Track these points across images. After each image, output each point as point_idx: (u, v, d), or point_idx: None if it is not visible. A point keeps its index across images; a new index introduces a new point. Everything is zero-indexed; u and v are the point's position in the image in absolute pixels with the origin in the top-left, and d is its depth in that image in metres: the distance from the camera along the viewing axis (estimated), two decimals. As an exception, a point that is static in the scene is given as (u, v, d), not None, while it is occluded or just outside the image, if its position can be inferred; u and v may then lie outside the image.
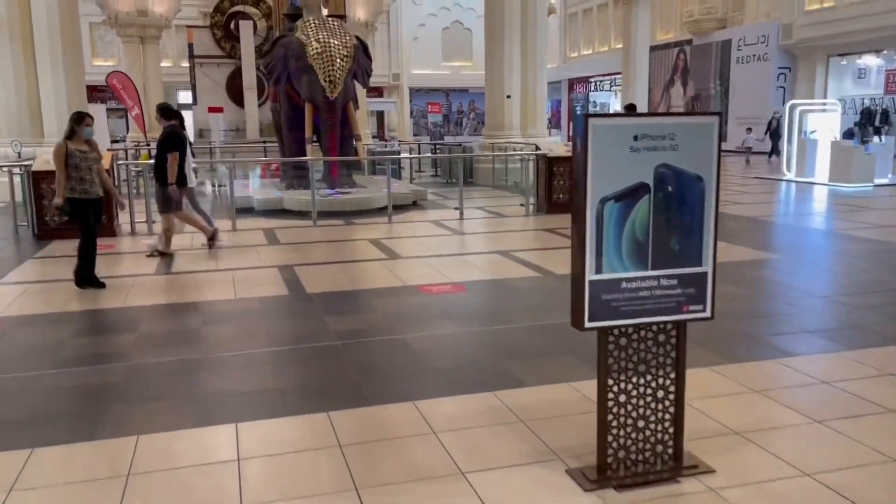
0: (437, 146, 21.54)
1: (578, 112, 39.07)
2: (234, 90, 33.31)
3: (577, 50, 37.34)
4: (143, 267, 8.30)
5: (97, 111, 19.13)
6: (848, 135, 23.64)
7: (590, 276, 3.06)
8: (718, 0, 27.06)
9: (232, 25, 33.05)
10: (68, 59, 14.60)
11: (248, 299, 6.74)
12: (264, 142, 23.29)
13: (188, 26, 33.90)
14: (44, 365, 4.95)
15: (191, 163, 9.40)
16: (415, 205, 13.26)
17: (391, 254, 8.99)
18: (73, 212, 7.10)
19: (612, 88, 36.23)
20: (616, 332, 3.17)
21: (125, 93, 24.50)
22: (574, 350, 4.96)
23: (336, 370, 4.79)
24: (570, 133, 39.32)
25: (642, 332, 3.21)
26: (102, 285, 7.11)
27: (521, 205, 12.38)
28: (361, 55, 12.85)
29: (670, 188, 3.07)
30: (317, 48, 12.09)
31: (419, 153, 20.96)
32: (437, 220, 11.56)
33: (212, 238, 9.28)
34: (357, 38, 12.81)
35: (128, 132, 31.42)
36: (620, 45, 31.48)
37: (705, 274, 3.18)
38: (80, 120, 7.12)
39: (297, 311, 6.39)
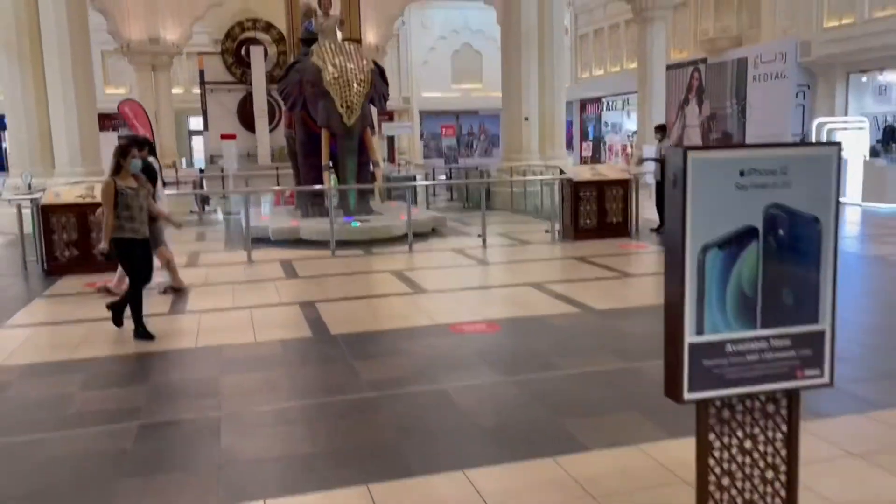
0: (453, 170, 21.08)
1: (591, 133, 38.68)
2: (246, 116, 33.11)
3: (589, 70, 36.97)
4: (156, 305, 7.84)
5: (108, 140, 18.81)
6: (872, 153, 23.11)
7: (689, 338, 2.55)
8: (734, 18, 26.64)
9: (243, 51, 32.92)
10: (80, 89, 14.25)
11: (269, 343, 6.25)
12: (276, 168, 22.93)
13: (199, 53, 33.80)
14: (47, 426, 4.45)
15: (162, 195, 8.91)
16: (434, 232, 12.78)
17: (416, 287, 8.50)
18: (120, 254, 6.42)
19: (625, 108, 35.82)
20: (718, 402, 2.67)
21: (137, 121, 24.24)
22: (636, 404, 4.44)
23: (372, 429, 4.27)
24: (582, 154, 38.94)
25: (748, 403, 2.70)
26: (151, 337, 6.34)
27: (546, 231, 11.88)
28: (378, 80, 12.44)
29: (782, 232, 2.57)
30: (333, 73, 11.69)
31: (433, 177, 20.48)
32: (460, 249, 11.07)
33: (176, 289, 8.46)
34: (374, 62, 12.41)
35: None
36: (633, 65, 31.07)
37: (823, 333, 2.68)
38: (125, 153, 6.39)
39: (323, 355, 5.89)
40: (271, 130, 33.09)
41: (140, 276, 6.47)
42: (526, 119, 16.28)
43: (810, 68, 24.34)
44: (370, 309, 7.45)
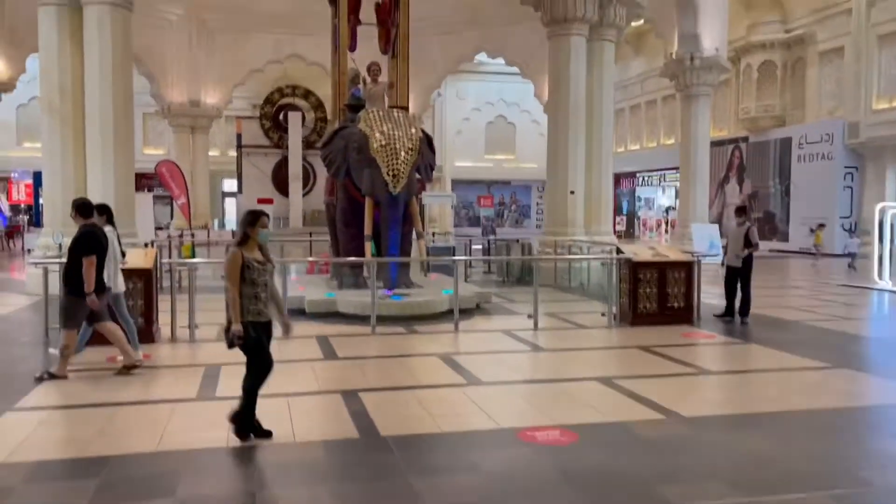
0: (491, 241, 20.34)
1: (624, 207, 37.99)
2: (280, 179, 32.92)
3: (624, 145, 36.56)
4: (182, 386, 7.02)
5: (143, 200, 18.43)
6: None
7: None
8: (777, 98, 26.11)
9: (281, 116, 32.98)
10: (119, 152, 13.79)
11: (311, 444, 5.37)
12: (310, 233, 22.37)
13: (238, 117, 33.90)
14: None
15: (118, 263, 8.19)
16: (478, 308, 11.94)
17: (469, 377, 7.59)
18: (244, 339, 5.39)
19: (661, 184, 35.20)
20: None
21: (173, 181, 23.94)
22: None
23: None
24: (616, 228, 38.15)
25: None
26: (268, 434, 5.48)
27: (602, 314, 10.98)
28: (426, 148, 11.83)
29: None
30: (381, 140, 11.10)
31: (469, 249, 19.66)
32: (509, 330, 10.19)
33: (130, 367, 7.58)
34: (423, 130, 11.81)
35: (171, 219, 30.95)
36: (671, 141, 30.59)
37: None
38: (254, 220, 5.46)
39: (374, 466, 4.98)
40: (305, 195, 32.88)
41: (266, 365, 5.55)
42: (572, 192, 15.59)
43: (858, 150, 23.58)
44: (421, 403, 6.55)
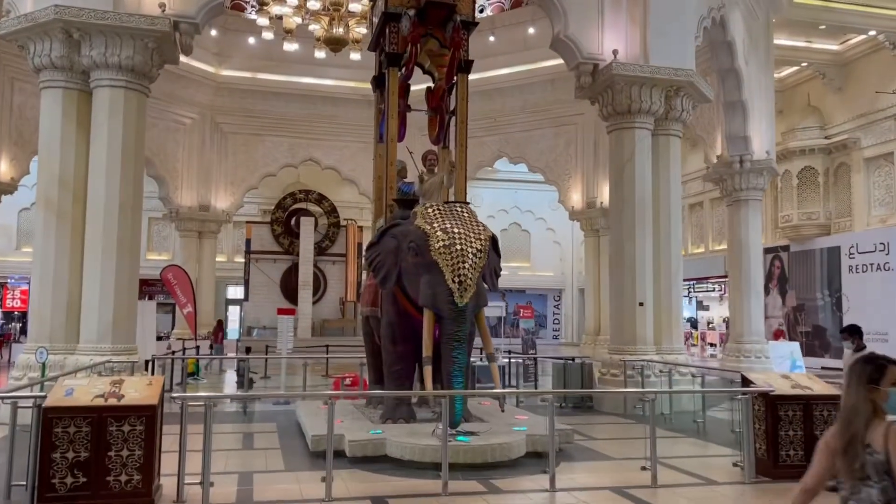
0: (531, 357, 17.83)
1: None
2: (289, 287, 30.70)
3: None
4: None
5: (146, 309, 16.05)
6: None
7: None
8: (819, 204, 24.36)
9: (292, 222, 31.16)
10: (125, 254, 11.61)
11: None
12: (327, 346, 19.90)
13: (248, 222, 32.06)
14: None
15: None
16: (560, 451, 9.39)
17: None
18: None
19: (690, 294, 32.95)
20: None
21: (179, 288, 21.62)
22: None
23: None
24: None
25: None
26: None
27: (734, 464, 8.45)
28: (492, 251, 9.60)
29: None
30: (444, 240, 8.87)
31: (529, 371, 16.81)
32: (619, 487, 7.62)
33: None
34: (488, 229, 9.58)
35: (172, 328, 28.43)
36: (721, 246, 28.36)
37: None
38: (881, 373, 3.21)
39: None
40: (315, 303, 30.58)
41: None
42: (641, 304, 13.31)
43: (917, 260, 21.56)
44: None
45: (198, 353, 19.36)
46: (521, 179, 36.80)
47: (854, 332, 9.26)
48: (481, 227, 9.24)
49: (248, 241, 31.18)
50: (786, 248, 25.32)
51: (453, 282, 8.74)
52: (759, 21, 19.30)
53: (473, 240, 9.01)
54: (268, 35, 23.86)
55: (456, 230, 9.00)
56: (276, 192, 32.31)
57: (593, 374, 13.88)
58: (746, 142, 19.44)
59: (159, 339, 22.62)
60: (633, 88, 13.34)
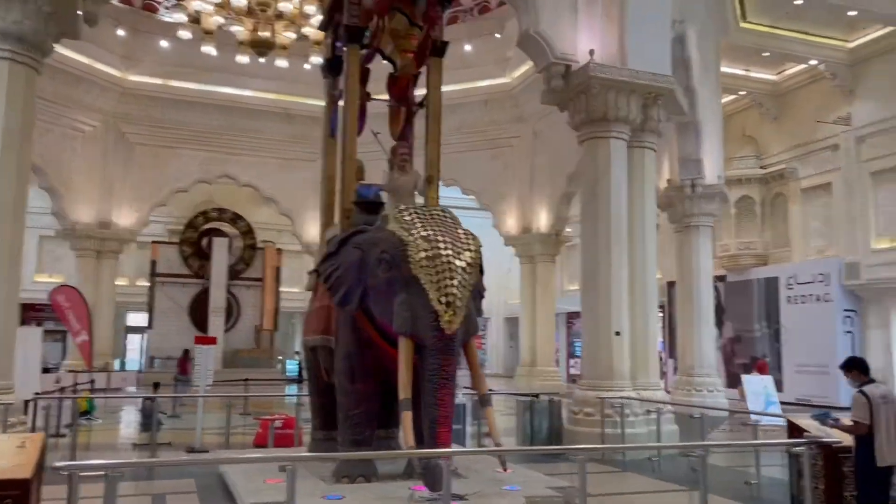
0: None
1: (578, 350, 34.33)
2: (199, 313, 27.77)
3: (577, 281, 33.48)
4: None
5: (30, 336, 13.24)
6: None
7: None
8: (756, 234, 23.78)
9: (204, 243, 28.33)
10: (3, 263, 9.15)
11: None
12: (246, 379, 17.35)
13: (153, 242, 28.90)
14: None
15: None
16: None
17: None
18: None
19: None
20: None
21: (72, 313, 18.59)
22: None
23: None
24: (570, 372, 34.24)
25: None
26: None
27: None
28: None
29: None
30: (426, 250, 6.91)
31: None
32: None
33: None
34: (477, 238, 7.67)
35: (63, 359, 24.93)
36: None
37: None
38: None
39: None
40: (227, 331, 27.71)
41: None
42: (617, 333, 11.69)
43: (857, 292, 21.09)
44: None
45: (92, 388, 16.45)
46: (454, 205, 35.05)
47: (855, 366, 7.34)
48: (470, 237, 7.32)
49: (153, 263, 28.09)
50: (722, 279, 24.58)
51: (440, 302, 6.76)
52: (709, 42, 18.48)
53: (462, 251, 7.09)
54: (185, 34, 21.39)
55: (440, 238, 7.06)
56: (186, 210, 29.38)
57: (562, 415, 12.11)
58: (698, 165, 18.51)
59: (46, 371, 19.35)
60: (610, 94, 11.87)
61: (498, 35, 24.23)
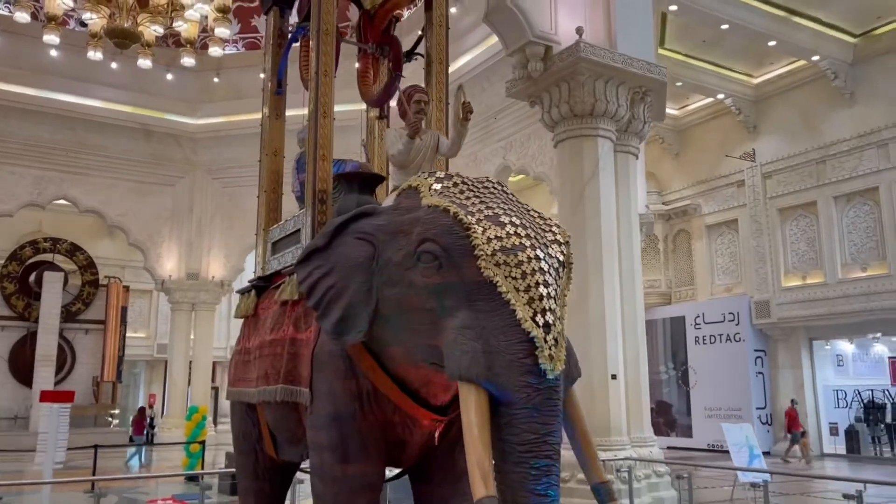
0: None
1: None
2: (21, 362, 22.35)
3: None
4: None
5: None
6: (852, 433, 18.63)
7: None
8: (659, 271, 22.60)
9: (31, 278, 23.06)
10: None
11: None
12: (95, 447, 12.98)
13: (-36, 275, 23.14)
14: None
15: None
16: None
17: None
18: None
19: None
20: None
21: None
22: None
23: None
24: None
25: None
26: None
27: None
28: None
29: None
30: (500, 238, 3.95)
31: None
32: None
33: None
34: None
35: None
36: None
37: None
38: None
39: None
40: (57, 383, 22.39)
41: None
42: (614, 377, 9.17)
43: (767, 331, 20.20)
44: None
45: None
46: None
47: None
48: (551, 221, 4.38)
49: (-38, 302, 22.40)
50: (623, 319, 23.07)
51: (536, 324, 3.79)
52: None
53: (549, 242, 4.16)
54: (22, 16, 16.98)
55: (517, 221, 4.11)
56: (8, 240, 23.98)
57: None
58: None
59: None
60: (599, 83, 9.58)
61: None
